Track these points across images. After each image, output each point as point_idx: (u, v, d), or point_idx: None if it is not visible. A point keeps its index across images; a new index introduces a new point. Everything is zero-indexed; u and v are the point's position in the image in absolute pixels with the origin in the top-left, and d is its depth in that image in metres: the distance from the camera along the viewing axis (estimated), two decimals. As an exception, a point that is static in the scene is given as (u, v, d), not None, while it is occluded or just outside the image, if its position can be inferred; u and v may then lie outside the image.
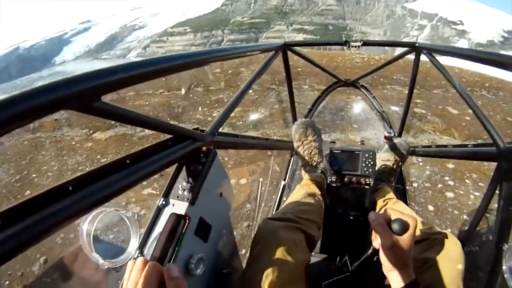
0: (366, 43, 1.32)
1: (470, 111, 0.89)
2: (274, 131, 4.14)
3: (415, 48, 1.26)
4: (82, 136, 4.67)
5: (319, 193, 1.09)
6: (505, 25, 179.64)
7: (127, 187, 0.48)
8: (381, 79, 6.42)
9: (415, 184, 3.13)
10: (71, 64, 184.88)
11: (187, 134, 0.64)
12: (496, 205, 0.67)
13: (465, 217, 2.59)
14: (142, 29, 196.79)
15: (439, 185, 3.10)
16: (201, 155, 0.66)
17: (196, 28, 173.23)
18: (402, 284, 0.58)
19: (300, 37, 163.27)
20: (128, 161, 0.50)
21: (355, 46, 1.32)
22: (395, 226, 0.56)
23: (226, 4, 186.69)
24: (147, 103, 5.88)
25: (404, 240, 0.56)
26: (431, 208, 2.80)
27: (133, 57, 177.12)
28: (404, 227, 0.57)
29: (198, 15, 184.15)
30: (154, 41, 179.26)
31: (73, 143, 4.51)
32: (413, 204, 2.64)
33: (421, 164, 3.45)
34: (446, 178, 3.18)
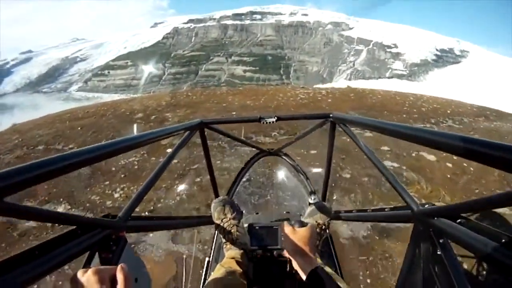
0: (280, 118, 1.36)
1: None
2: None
3: (328, 118, 1.31)
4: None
5: (240, 270, 1.11)
6: (437, 44, 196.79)
7: (36, 279, 0.48)
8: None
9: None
10: (11, 97, 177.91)
11: (96, 223, 0.65)
12: (417, 264, 0.71)
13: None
14: (84, 62, 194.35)
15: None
16: (111, 243, 0.66)
17: (137, 62, 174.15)
18: (306, 269, 0.70)
19: (239, 69, 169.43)
20: (36, 252, 0.50)
21: (270, 122, 1.35)
22: (295, 223, 0.81)
23: (167, 37, 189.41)
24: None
25: (301, 231, 0.77)
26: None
27: (74, 91, 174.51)
28: (302, 224, 0.79)
29: (139, 48, 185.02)
30: (96, 75, 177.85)
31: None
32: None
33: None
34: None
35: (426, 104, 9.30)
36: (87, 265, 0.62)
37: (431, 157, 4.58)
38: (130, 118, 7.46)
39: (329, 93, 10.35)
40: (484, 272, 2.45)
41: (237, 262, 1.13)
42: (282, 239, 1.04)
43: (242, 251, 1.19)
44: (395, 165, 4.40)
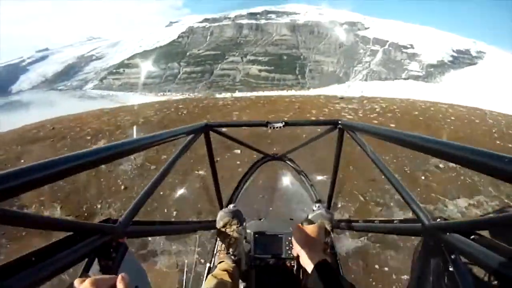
0: (287, 123, 1.37)
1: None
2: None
3: (336, 125, 1.32)
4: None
5: (230, 281, 1.12)
6: (454, 45, 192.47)
7: (32, 287, 0.45)
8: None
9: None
10: (27, 94, 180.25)
11: (95, 228, 0.62)
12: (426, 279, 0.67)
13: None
14: (100, 60, 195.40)
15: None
16: (111, 249, 0.64)
17: (153, 60, 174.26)
18: (313, 261, 0.71)
19: (254, 68, 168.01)
20: (33, 259, 0.47)
21: (277, 127, 1.36)
22: (303, 222, 0.84)
23: (182, 36, 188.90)
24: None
25: (310, 227, 0.82)
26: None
27: (89, 89, 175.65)
28: (310, 222, 0.84)
29: (155, 47, 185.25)
30: (111, 73, 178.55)
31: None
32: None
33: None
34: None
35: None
36: (84, 273, 0.58)
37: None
38: (87, 147, 6.89)
39: (385, 110, 7.65)
40: None
41: (229, 275, 1.13)
42: (287, 248, 1.15)
43: (234, 264, 1.20)
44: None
